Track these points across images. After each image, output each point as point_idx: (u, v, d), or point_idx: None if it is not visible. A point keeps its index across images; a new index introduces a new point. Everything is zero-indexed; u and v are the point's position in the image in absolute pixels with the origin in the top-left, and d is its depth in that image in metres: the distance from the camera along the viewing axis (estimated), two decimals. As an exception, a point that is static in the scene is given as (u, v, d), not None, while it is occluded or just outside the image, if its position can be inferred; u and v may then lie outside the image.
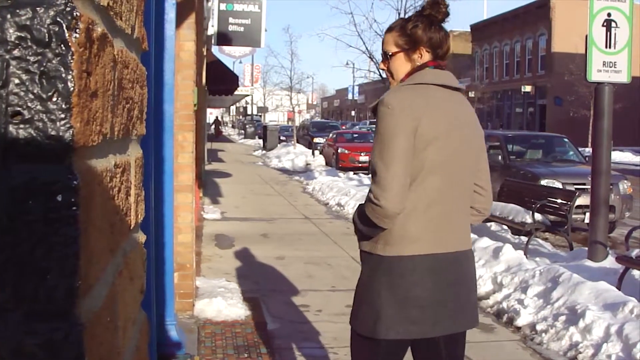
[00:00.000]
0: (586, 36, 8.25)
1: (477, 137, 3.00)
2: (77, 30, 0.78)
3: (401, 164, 2.69)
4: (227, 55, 22.69)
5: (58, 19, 0.77)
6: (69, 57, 0.78)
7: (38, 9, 0.76)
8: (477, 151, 2.99)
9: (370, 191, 2.76)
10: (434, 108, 2.79)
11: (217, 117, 66.47)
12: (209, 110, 39.48)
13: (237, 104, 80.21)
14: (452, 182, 2.85)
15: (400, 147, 2.69)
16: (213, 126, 58.34)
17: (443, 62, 2.98)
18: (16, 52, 0.77)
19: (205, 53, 13.26)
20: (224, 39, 14.04)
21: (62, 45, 0.77)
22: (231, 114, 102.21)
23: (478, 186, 3.04)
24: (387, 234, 2.79)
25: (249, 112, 77.43)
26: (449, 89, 2.92)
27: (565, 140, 15.37)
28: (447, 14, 2.96)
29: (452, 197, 2.87)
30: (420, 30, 2.92)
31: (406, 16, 14.80)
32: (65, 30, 0.77)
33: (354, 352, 3.01)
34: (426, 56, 2.94)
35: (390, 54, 3.00)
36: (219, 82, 17.61)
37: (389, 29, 3.05)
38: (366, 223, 2.83)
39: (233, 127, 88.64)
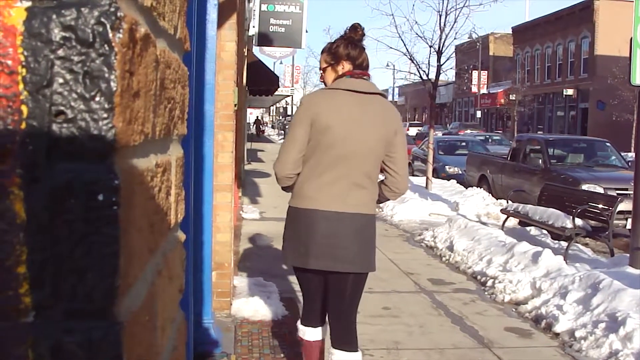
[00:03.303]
0: (631, 39, 8.12)
1: (382, 133, 3.84)
2: (121, 31, 0.78)
3: (295, 143, 3.79)
4: (268, 55, 22.74)
5: (102, 19, 0.77)
6: (112, 57, 0.78)
7: (83, 9, 0.77)
8: (382, 143, 3.84)
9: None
10: (333, 106, 3.77)
11: (257, 117, 66.71)
12: (249, 110, 39.58)
13: (277, 105, 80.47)
14: (345, 160, 3.76)
15: (297, 132, 3.79)
16: (254, 126, 58.59)
17: (360, 72, 3.93)
18: (60, 52, 0.77)
19: (246, 53, 13.31)
20: (264, 39, 14.10)
21: (105, 46, 0.77)
22: (271, 114, 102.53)
23: (393, 170, 3.94)
24: (293, 192, 3.89)
25: (289, 112, 77.60)
26: (360, 93, 3.82)
27: (608, 144, 15.17)
28: (363, 35, 4.02)
29: (345, 171, 3.78)
30: (341, 48, 3.95)
31: (444, 17, 14.49)
32: (109, 31, 0.77)
33: None
34: (347, 67, 3.95)
35: (322, 69, 4.05)
36: (259, 82, 17.66)
37: (322, 52, 4.07)
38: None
39: (273, 127, 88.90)
